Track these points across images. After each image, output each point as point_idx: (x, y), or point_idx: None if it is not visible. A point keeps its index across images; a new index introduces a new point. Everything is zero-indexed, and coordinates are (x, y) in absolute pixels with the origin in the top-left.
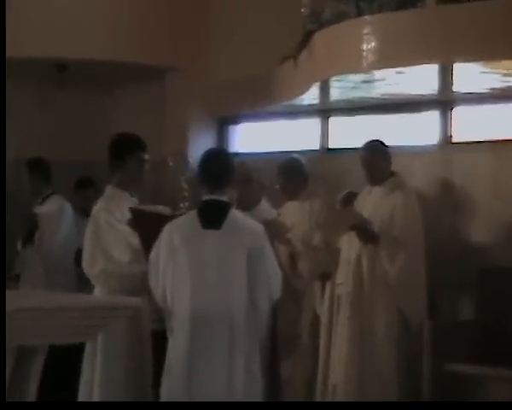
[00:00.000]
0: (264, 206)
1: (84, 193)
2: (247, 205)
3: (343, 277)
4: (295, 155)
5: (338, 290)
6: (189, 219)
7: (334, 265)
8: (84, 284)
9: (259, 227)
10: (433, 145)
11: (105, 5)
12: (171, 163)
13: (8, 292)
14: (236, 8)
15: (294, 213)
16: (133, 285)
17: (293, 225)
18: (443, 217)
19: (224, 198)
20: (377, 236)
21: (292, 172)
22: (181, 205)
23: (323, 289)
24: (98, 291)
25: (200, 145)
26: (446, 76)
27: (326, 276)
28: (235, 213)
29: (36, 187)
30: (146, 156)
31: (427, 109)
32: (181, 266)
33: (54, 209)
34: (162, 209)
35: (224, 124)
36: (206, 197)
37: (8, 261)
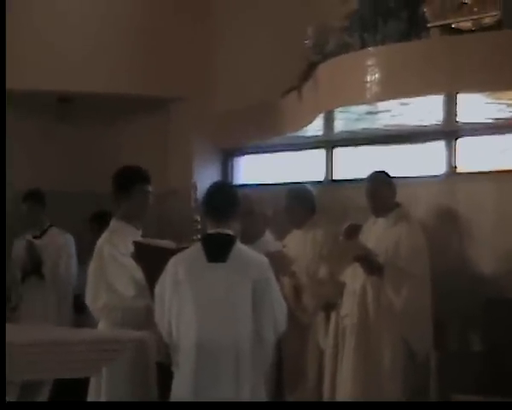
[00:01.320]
0: (268, 238)
1: (99, 227)
2: (251, 237)
3: (348, 308)
4: (307, 185)
5: (343, 322)
6: (193, 253)
7: (338, 297)
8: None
9: (264, 260)
10: (438, 175)
11: (108, 37)
12: (192, 195)
13: (10, 326)
14: (241, 39)
15: (298, 245)
16: (137, 319)
17: (297, 257)
18: (448, 247)
19: (229, 231)
20: (382, 267)
21: (302, 200)
22: (194, 238)
23: (328, 321)
24: (102, 326)
25: (204, 177)
26: (451, 106)
27: (331, 308)
28: (240, 246)
29: (35, 219)
30: (150, 188)
31: (432, 140)
32: (186, 300)
33: (62, 241)
34: (166, 243)
35: (228, 156)
36: (210, 230)
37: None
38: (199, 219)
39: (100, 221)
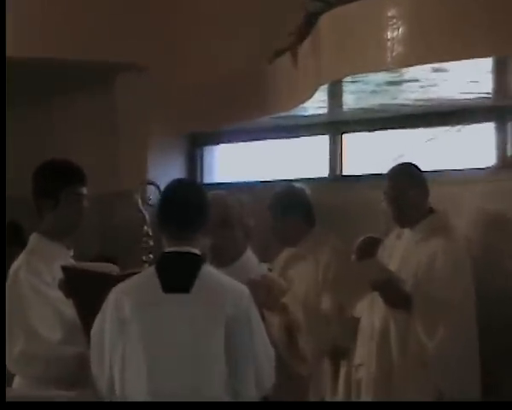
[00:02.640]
0: (250, 258)
1: (9, 244)
2: (226, 258)
3: (363, 355)
4: (294, 184)
5: (357, 374)
6: (144, 281)
7: (350, 339)
8: None
9: (243, 289)
10: (488, 169)
11: None
12: (138, 199)
13: None
14: None
15: (293, 268)
16: (65, 373)
17: (292, 285)
18: (500, 267)
19: (195, 250)
20: (410, 297)
21: (289, 209)
22: (144, 258)
23: (336, 372)
24: (18, 382)
25: (163, 174)
26: (504, 75)
27: (340, 354)
28: (210, 271)
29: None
30: (84, 190)
31: (479, 120)
32: (134, 345)
33: None
34: (107, 267)
35: (196, 144)
36: (168, 249)
37: None
38: (150, 234)
39: (10, 237)
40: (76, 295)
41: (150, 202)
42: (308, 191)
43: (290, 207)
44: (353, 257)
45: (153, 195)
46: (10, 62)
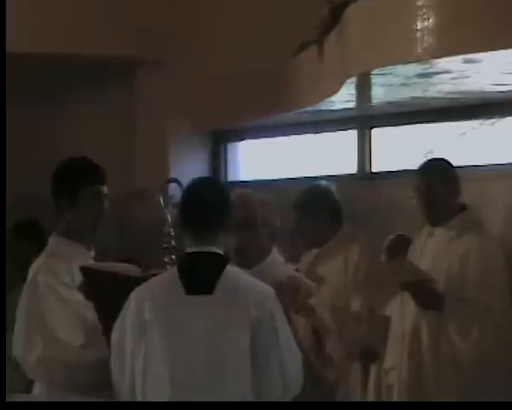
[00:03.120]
0: (276, 259)
1: (26, 243)
2: (251, 258)
3: (394, 358)
4: (321, 183)
5: (388, 378)
6: (165, 282)
7: (380, 340)
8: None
9: (268, 290)
10: None
11: None
12: (161, 199)
13: None
14: None
15: (322, 267)
16: (86, 379)
17: (318, 286)
18: None
19: (218, 250)
20: (442, 297)
21: (317, 207)
22: (165, 259)
23: (366, 376)
24: (37, 388)
25: (185, 172)
26: None
27: (370, 356)
28: (234, 272)
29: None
30: (105, 190)
31: None
32: (155, 349)
33: None
34: (128, 269)
35: (219, 141)
36: (190, 249)
37: None
38: (172, 233)
39: (26, 235)
40: (96, 297)
41: (173, 202)
42: (334, 189)
43: (318, 205)
44: (383, 256)
45: (175, 194)
46: (23, 58)
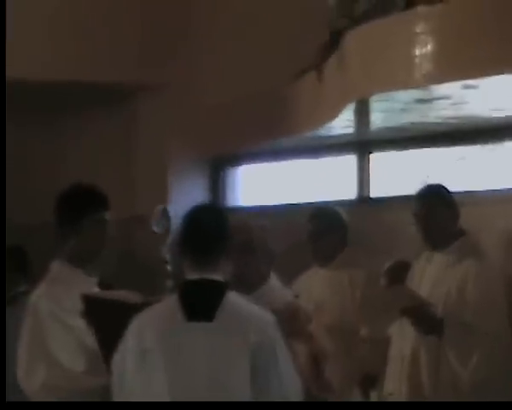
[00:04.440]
0: (274, 284)
1: (14, 272)
2: (250, 284)
3: (394, 384)
4: (334, 206)
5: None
6: (166, 309)
7: (380, 365)
8: None
9: (268, 317)
10: None
11: (49, 8)
12: (153, 224)
13: None
14: (231, 5)
15: (318, 292)
16: None
17: (317, 311)
18: None
19: (218, 276)
20: (441, 322)
21: (332, 226)
22: (162, 285)
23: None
24: None
25: (184, 197)
26: None
27: (370, 382)
28: (234, 298)
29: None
30: (108, 215)
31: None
32: (157, 377)
33: None
34: (128, 295)
35: (218, 167)
36: (191, 276)
37: None
38: (168, 260)
39: (14, 262)
40: (96, 324)
41: (164, 228)
42: (342, 211)
43: (331, 225)
44: (382, 281)
45: (167, 220)
46: (23, 84)
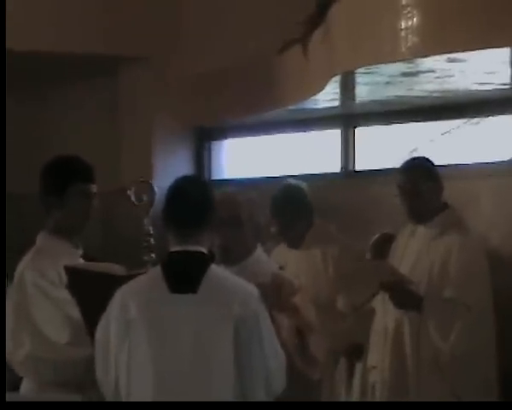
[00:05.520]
0: (260, 257)
1: None
2: (236, 256)
3: (377, 357)
4: (292, 182)
5: (371, 377)
6: (150, 281)
7: (367, 333)
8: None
9: (252, 289)
10: (507, 163)
11: None
12: (132, 197)
13: None
14: None
15: (302, 266)
16: (72, 376)
17: (302, 283)
18: None
19: (201, 248)
20: (420, 298)
21: (290, 207)
22: (145, 258)
23: (351, 374)
24: (26, 385)
25: (169, 170)
26: None
27: (356, 353)
28: (217, 270)
29: None
30: (93, 188)
31: (497, 112)
32: (140, 347)
33: None
34: (112, 267)
35: (203, 139)
36: (174, 248)
37: None
38: (151, 232)
39: None
40: (80, 296)
41: (146, 201)
42: (306, 188)
43: (290, 204)
44: (368, 255)
45: (151, 192)
46: (8, 55)
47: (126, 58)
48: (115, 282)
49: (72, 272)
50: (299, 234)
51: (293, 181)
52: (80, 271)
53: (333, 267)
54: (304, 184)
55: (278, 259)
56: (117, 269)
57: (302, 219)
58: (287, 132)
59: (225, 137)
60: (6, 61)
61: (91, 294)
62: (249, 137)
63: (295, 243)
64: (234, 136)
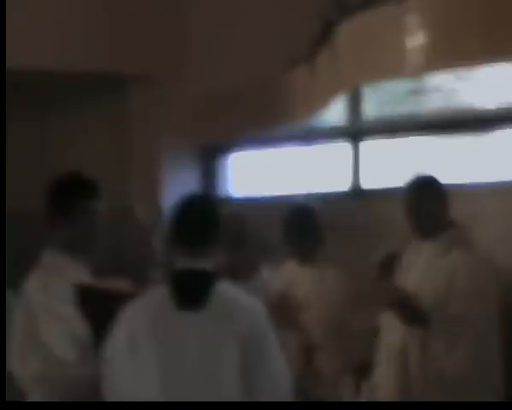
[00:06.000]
0: (267, 274)
1: None
2: (242, 274)
3: (383, 375)
4: (301, 201)
5: (376, 396)
6: (157, 298)
7: (372, 355)
8: None
9: (259, 307)
10: None
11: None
12: (140, 214)
13: None
14: None
15: (309, 284)
16: (82, 395)
17: (309, 302)
18: None
19: (209, 265)
20: (426, 316)
21: (301, 226)
22: (152, 275)
23: (358, 391)
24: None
25: (176, 187)
26: None
27: (362, 370)
28: (224, 288)
29: None
30: (101, 205)
31: (504, 128)
32: (147, 366)
33: None
34: (120, 285)
35: (210, 156)
36: (181, 265)
37: None
38: (158, 249)
39: None
40: (87, 314)
41: (153, 218)
42: (317, 208)
43: (302, 223)
44: (373, 274)
45: (158, 210)
46: (13, 73)
47: (134, 77)
48: (123, 299)
49: (79, 289)
50: (309, 251)
51: (302, 200)
52: (88, 288)
53: (343, 286)
54: (313, 203)
55: (287, 276)
56: (125, 286)
57: (312, 236)
58: (291, 147)
59: (232, 154)
60: (14, 82)
61: (99, 311)
62: (257, 153)
63: (305, 260)
64: (241, 150)
